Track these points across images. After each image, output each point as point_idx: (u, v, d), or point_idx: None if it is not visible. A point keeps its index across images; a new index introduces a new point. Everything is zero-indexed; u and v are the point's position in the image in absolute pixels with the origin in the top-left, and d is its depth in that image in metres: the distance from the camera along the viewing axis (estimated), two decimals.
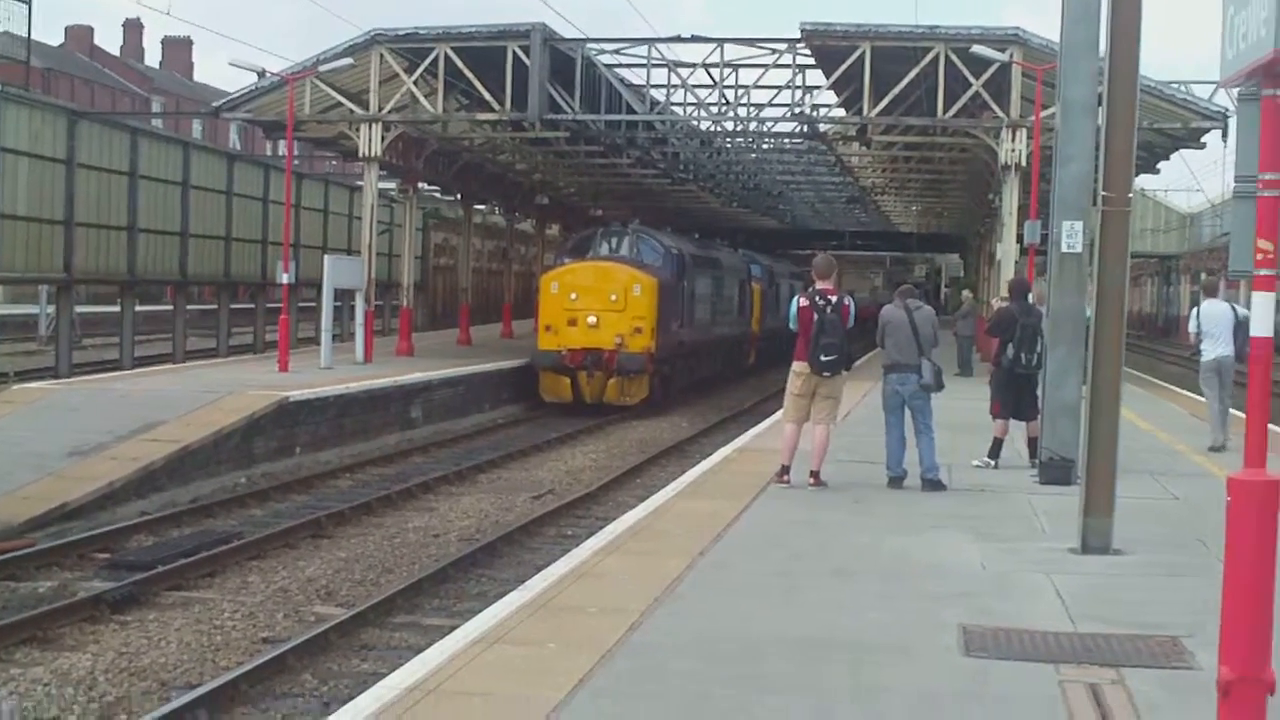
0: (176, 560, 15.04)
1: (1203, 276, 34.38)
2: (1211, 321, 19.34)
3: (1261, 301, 6.50)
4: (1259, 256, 6.37)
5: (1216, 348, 19.29)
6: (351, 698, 8.53)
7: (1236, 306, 19.73)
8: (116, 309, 36.56)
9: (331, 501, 19.57)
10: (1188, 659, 8.49)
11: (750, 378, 45.37)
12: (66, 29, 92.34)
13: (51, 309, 40.79)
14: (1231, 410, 19.40)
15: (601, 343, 32.36)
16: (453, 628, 10.02)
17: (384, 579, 14.88)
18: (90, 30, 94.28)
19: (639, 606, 9.65)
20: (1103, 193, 11.89)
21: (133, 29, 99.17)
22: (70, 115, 32.07)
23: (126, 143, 33.67)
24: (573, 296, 32.94)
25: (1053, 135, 16.07)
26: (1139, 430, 20.56)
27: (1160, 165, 37.89)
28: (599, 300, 32.74)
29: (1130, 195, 12.08)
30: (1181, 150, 35.05)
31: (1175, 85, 32.76)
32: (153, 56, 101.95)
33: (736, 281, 45.46)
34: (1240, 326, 18.92)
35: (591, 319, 32.57)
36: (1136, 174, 21.02)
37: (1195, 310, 19.93)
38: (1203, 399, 20.67)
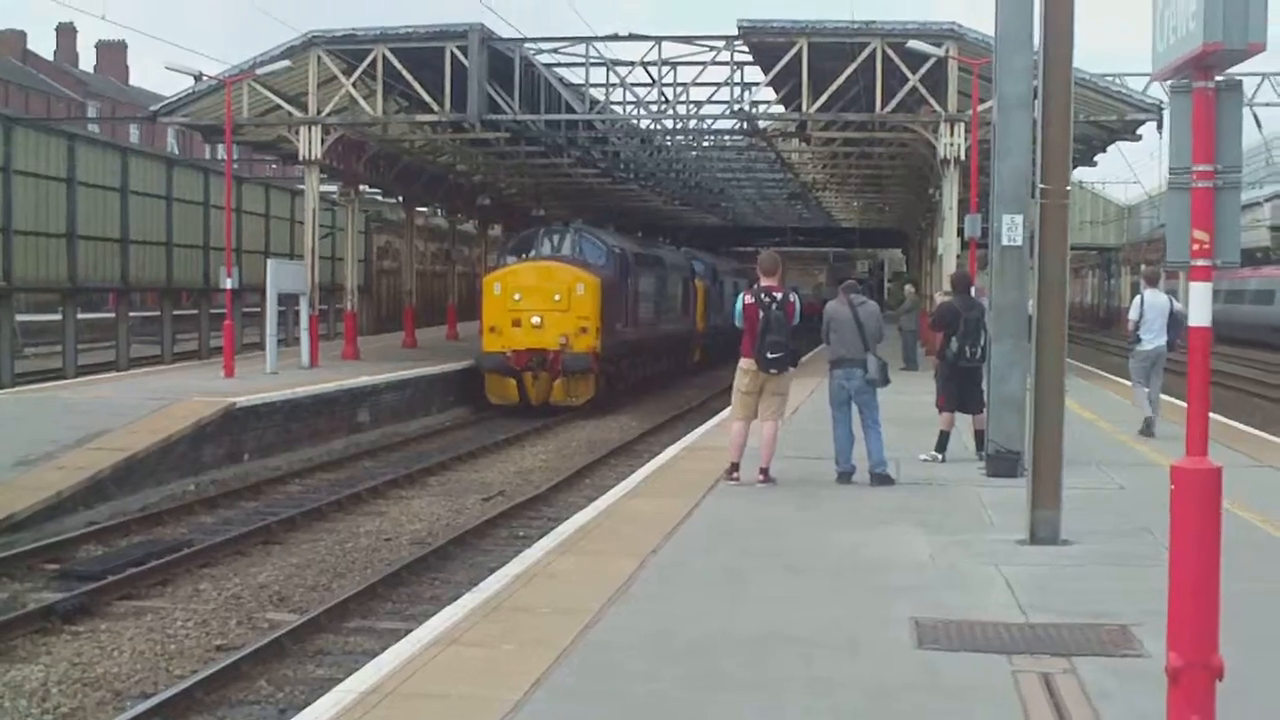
0: (127, 569, 14.97)
1: (1143, 267, 34.71)
2: (1154, 312, 19.64)
3: (1199, 291, 6.62)
4: (1195, 247, 6.49)
5: (1157, 338, 19.60)
6: (308, 703, 8.54)
7: (1174, 299, 20.06)
8: (58, 317, 36.29)
9: (282, 507, 19.53)
10: (1137, 647, 8.60)
11: (696, 375, 45.48)
12: None
13: None
14: (1163, 397, 20.23)
15: (546, 343, 32.26)
16: (407, 631, 10.02)
17: (336, 584, 14.88)
18: (23, 35, 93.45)
19: (593, 606, 9.70)
20: (1040, 185, 12.02)
21: (66, 33, 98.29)
22: (4, 122, 31.82)
23: (63, 149, 33.39)
24: (516, 297, 32.79)
25: (991, 129, 16.22)
26: (1083, 421, 20.76)
27: (1097, 158, 38.26)
28: (542, 300, 32.65)
29: (1068, 188, 12.21)
30: (1118, 143, 35.34)
31: (1110, 78, 33.10)
32: (87, 61, 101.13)
33: (680, 279, 45.44)
34: (1174, 319, 19.31)
35: (535, 319, 32.49)
36: (1074, 167, 21.26)
37: (1138, 299, 20.16)
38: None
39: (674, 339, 44.25)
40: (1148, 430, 19.57)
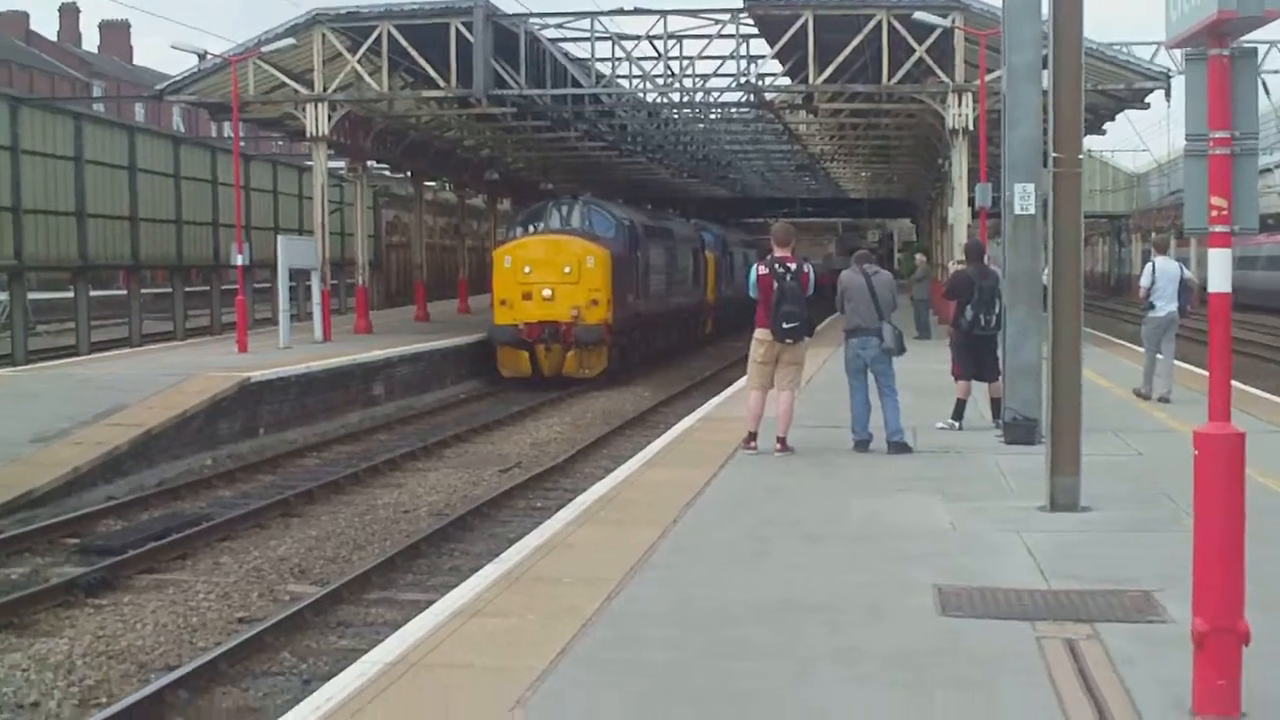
0: (147, 543, 15.06)
1: (1153, 235, 34.72)
2: (1165, 279, 19.77)
3: (1219, 257, 6.64)
4: (1213, 213, 6.51)
5: (1168, 304, 19.72)
6: (331, 674, 8.61)
7: (1184, 267, 20.33)
8: (70, 294, 36.36)
9: (299, 481, 19.59)
10: (1161, 612, 8.60)
11: (708, 347, 45.46)
12: (1, 15, 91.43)
13: (4, 296, 40.52)
14: (1176, 362, 20.44)
15: (558, 315, 32.26)
16: (428, 602, 10.06)
17: (356, 556, 14.94)
18: (25, 16, 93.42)
19: (615, 576, 9.73)
20: (1054, 155, 12.02)
21: (69, 13, 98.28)
22: (12, 102, 31.83)
23: (70, 128, 33.43)
24: (526, 270, 32.71)
25: (999, 98, 16.20)
26: (1099, 388, 20.75)
27: (1106, 126, 38.17)
28: (553, 273, 32.59)
29: (1081, 157, 12.22)
30: (1126, 111, 35.30)
31: (1117, 46, 33.01)
32: (90, 41, 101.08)
33: (690, 251, 45.25)
34: (1184, 285, 19.61)
35: (546, 292, 32.45)
36: (1085, 135, 21.21)
37: (1150, 266, 20.23)
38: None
39: (685, 311, 44.14)
40: (1145, 393, 19.88)
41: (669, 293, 40.77)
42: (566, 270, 32.50)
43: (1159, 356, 20.16)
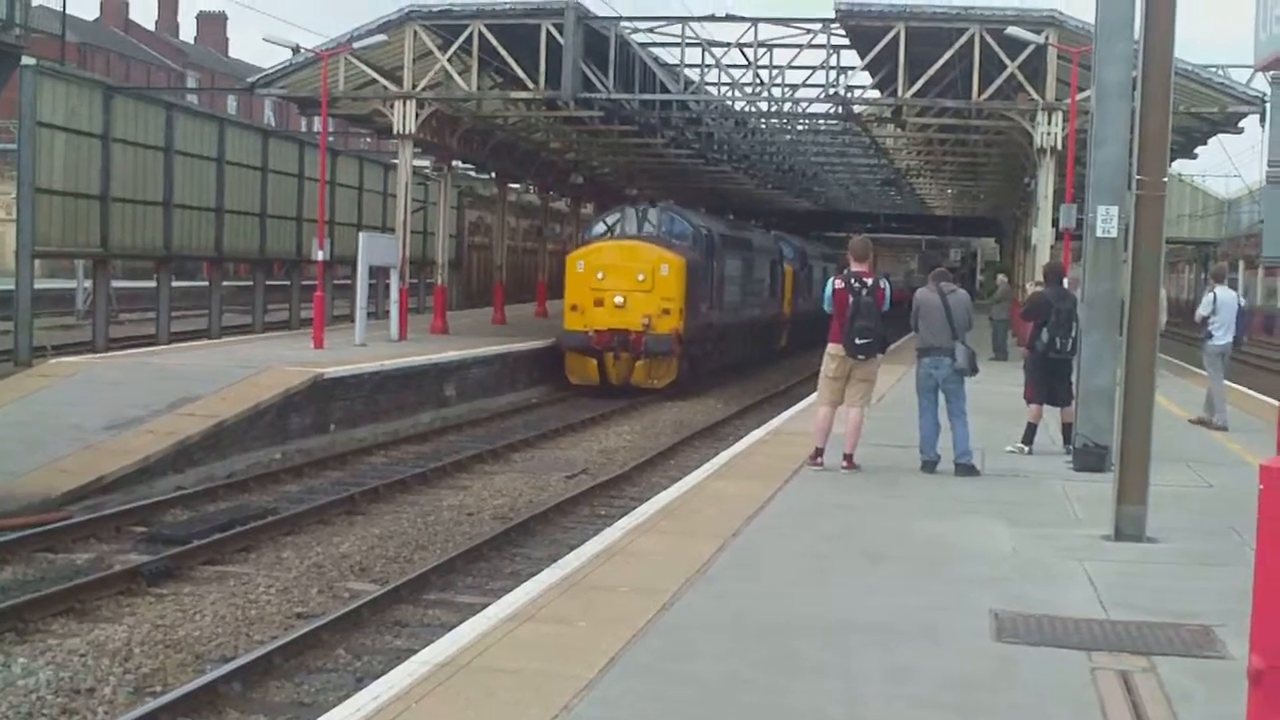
0: (212, 535, 15.18)
1: (1211, 265, 34.55)
2: (1226, 309, 19.95)
3: None
4: None
5: (1227, 334, 19.90)
6: (384, 673, 8.59)
7: (1240, 297, 20.71)
8: (152, 284, 36.71)
9: (366, 478, 19.66)
10: (1220, 648, 8.47)
11: (782, 361, 45.09)
12: (101, 3, 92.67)
13: (88, 284, 40.99)
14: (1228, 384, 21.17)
15: (629, 324, 31.88)
16: (485, 605, 10.05)
17: (417, 556, 14.97)
18: (125, 5, 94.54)
19: (671, 586, 9.69)
20: (1137, 177, 11.85)
21: (167, 4, 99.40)
22: (106, 90, 32.16)
23: (162, 118, 33.77)
24: (599, 276, 32.38)
25: (1089, 118, 16.02)
26: (1174, 417, 20.50)
27: (1197, 150, 37.76)
28: (626, 280, 32.22)
29: (1165, 180, 12.02)
30: (1219, 135, 34.88)
31: (1213, 69, 32.61)
32: (187, 31, 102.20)
33: (768, 262, 44.73)
34: (1240, 314, 20.23)
35: (618, 299, 32.08)
36: (1173, 159, 21.00)
37: (1210, 296, 20.32)
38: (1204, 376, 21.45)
39: (760, 323, 43.62)
40: (1208, 421, 19.92)
41: (744, 304, 40.33)
42: (640, 278, 32.18)
43: (1215, 384, 20.22)
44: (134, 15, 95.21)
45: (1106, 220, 14.79)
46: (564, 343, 32.79)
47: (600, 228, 35.58)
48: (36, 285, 30.59)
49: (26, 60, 27.37)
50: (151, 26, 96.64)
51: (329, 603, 12.87)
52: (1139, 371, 11.79)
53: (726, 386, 35.87)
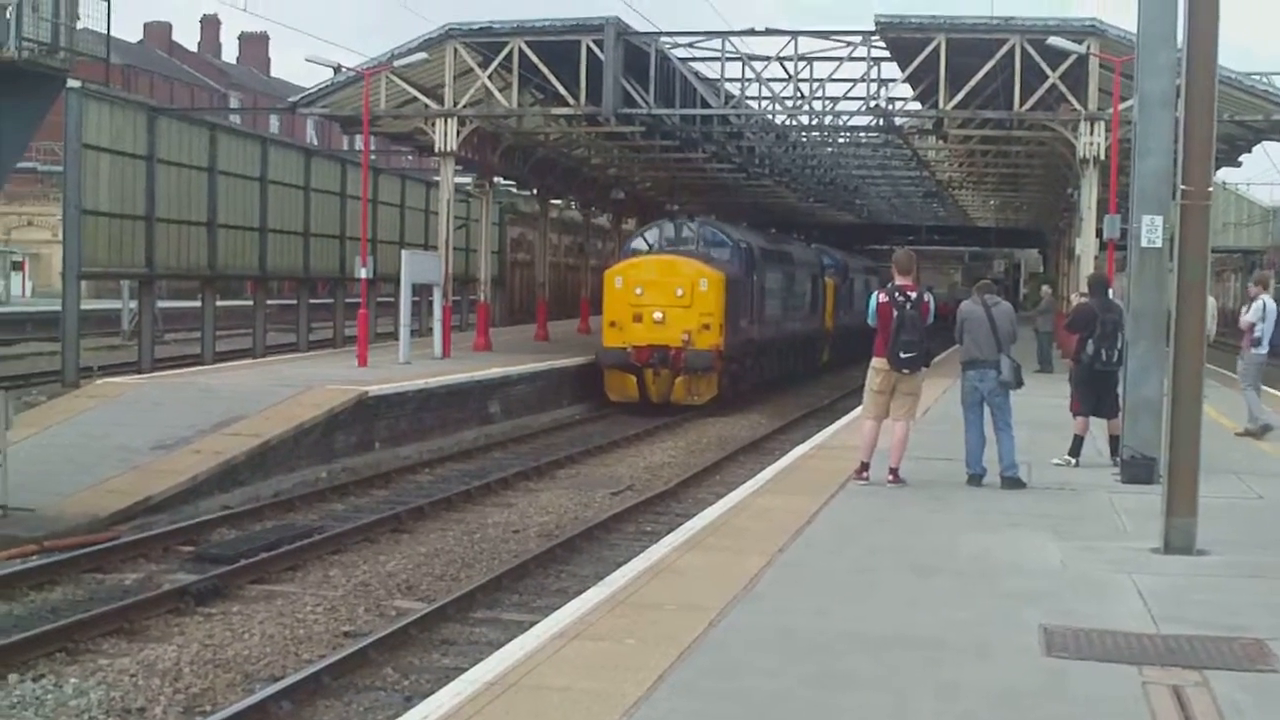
0: (259, 554, 15.25)
1: (1256, 272, 34.37)
2: (1271, 317, 19.98)
3: None
4: None
5: (1267, 342, 20.02)
6: (432, 692, 8.61)
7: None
8: (197, 304, 36.89)
9: (411, 496, 19.71)
10: (1273, 661, 8.41)
11: (824, 375, 44.90)
12: (145, 25, 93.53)
13: (134, 304, 41.23)
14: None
15: (668, 339, 31.61)
16: (532, 623, 10.08)
17: (464, 574, 14.99)
18: (169, 27, 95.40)
19: (718, 603, 9.67)
20: (1182, 186, 11.79)
21: (210, 25, 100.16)
22: (150, 111, 32.33)
23: (205, 138, 33.94)
24: (638, 291, 32.18)
25: (1132, 128, 15.95)
26: (1222, 428, 20.36)
27: (1242, 158, 37.50)
28: (665, 295, 31.97)
29: (1210, 189, 11.94)
30: (1264, 143, 34.65)
31: (1256, 76, 32.41)
32: (230, 52, 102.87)
33: (809, 276, 44.41)
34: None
35: (657, 315, 31.84)
36: (1217, 167, 20.88)
37: (1259, 304, 20.32)
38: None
39: (801, 338, 43.36)
40: (1255, 433, 19.89)
41: (785, 318, 40.15)
42: (679, 293, 31.91)
43: (1250, 392, 20.16)
44: (177, 37, 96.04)
45: (1151, 230, 14.71)
46: (603, 359, 32.55)
47: (638, 243, 35.39)
48: (83, 306, 30.78)
49: (72, 83, 27.56)
50: (194, 48, 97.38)
51: (376, 621, 12.90)
52: (1187, 382, 11.72)
53: (770, 401, 35.78)
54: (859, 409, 16.90)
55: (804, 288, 43.50)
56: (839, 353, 47.94)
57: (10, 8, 16.24)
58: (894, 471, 15.15)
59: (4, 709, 10.08)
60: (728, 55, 33.49)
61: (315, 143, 69.94)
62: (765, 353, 37.73)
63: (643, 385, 32.16)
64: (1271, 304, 20.38)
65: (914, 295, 14.93)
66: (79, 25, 30.03)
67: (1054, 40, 29.56)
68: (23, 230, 66.36)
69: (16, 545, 15.21)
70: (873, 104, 34.73)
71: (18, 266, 65.06)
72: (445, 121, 33.26)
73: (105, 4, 34.99)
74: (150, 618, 12.74)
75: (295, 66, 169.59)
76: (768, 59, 34.06)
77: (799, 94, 35.17)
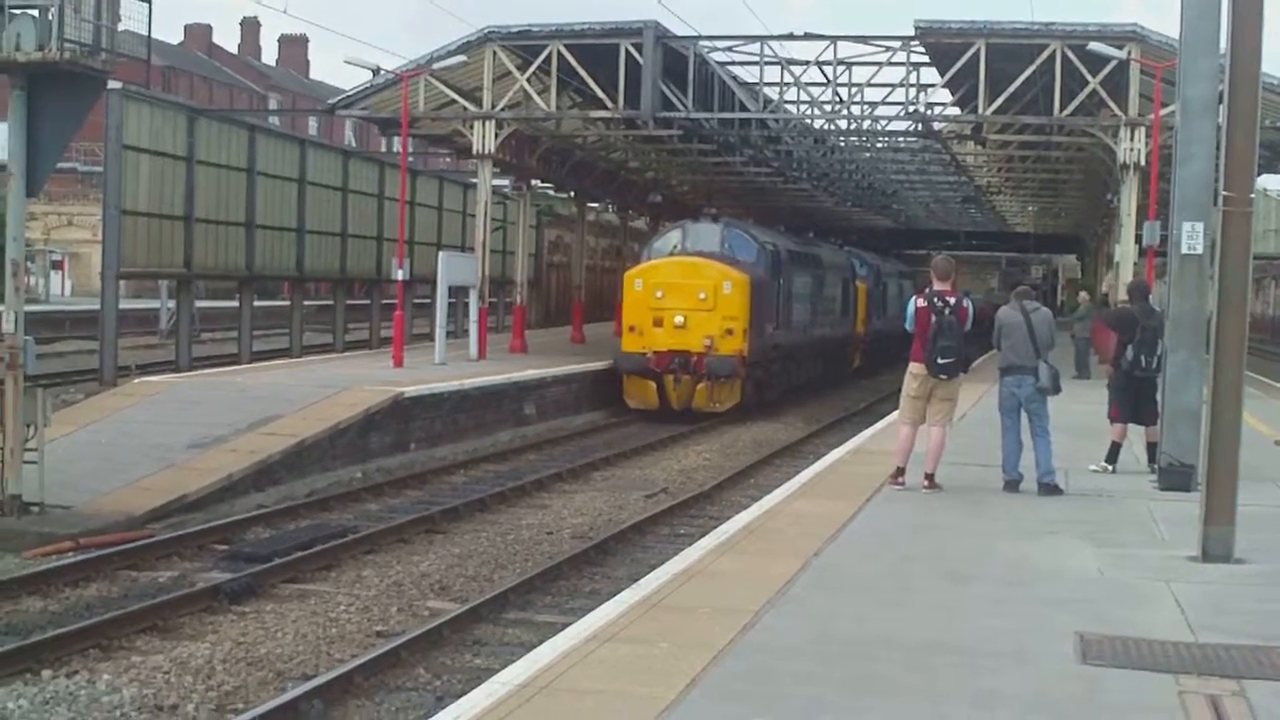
0: (293, 553, 15.25)
1: None
2: None
3: None
4: None
5: None
6: (464, 692, 8.60)
7: None
8: (235, 304, 37.01)
9: (445, 497, 19.71)
10: None
11: (858, 381, 44.38)
12: (185, 27, 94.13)
13: (172, 303, 41.40)
14: None
15: (689, 344, 30.30)
16: (565, 625, 10.06)
17: (497, 575, 14.96)
18: (209, 29, 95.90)
19: (752, 607, 9.63)
20: (1224, 193, 11.70)
21: (250, 27, 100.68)
22: (190, 113, 32.46)
23: (244, 140, 34.06)
24: (658, 294, 30.86)
25: (1172, 134, 15.87)
26: (1261, 436, 20.23)
27: None
28: (687, 299, 30.62)
29: (1252, 195, 11.86)
30: None
31: None
32: (269, 54, 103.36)
33: (839, 280, 43.11)
34: None
35: (679, 319, 30.51)
36: (1259, 173, 20.76)
37: None
38: None
39: (830, 343, 41.88)
40: None
41: (813, 323, 38.77)
42: (701, 296, 30.60)
43: None
44: (217, 39, 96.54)
45: (1192, 237, 14.62)
46: (621, 365, 31.46)
47: (659, 244, 34.32)
48: (121, 305, 30.92)
49: (113, 84, 27.66)
50: (234, 50, 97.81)
51: (409, 621, 12.89)
52: (1226, 389, 11.63)
53: (805, 405, 35.56)
54: (895, 413, 16.82)
55: (834, 291, 42.17)
56: (871, 359, 47.30)
57: (52, 9, 16.27)
58: (930, 477, 15.08)
59: (37, 705, 10.11)
60: (766, 59, 33.47)
61: (353, 144, 70.12)
62: (792, 359, 36.44)
63: (663, 392, 30.97)
64: None
65: (953, 301, 14.87)
66: (120, 27, 30.13)
67: (1094, 46, 29.46)
68: (63, 230, 66.70)
69: (53, 542, 15.28)
70: (911, 108, 34.66)
71: (57, 266, 65.38)
72: (483, 124, 33.32)
73: (146, 6, 35.11)
74: (184, 615, 12.76)
75: (334, 68, 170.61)
76: (806, 63, 34.03)
77: (837, 98, 35.14)
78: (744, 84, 35.29)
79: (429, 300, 37.71)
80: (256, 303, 36.68)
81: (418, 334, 40.07)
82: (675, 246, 33.09)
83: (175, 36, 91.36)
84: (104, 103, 28.13)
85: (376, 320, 42.16)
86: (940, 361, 14.75)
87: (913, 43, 31.89)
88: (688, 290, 30.80)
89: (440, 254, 32.33)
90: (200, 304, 40.17)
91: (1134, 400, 16.70)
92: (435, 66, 31.99)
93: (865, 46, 33.44)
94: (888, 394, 24.55)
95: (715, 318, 30.56)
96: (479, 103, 33.59)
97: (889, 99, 35.52)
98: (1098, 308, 29.72)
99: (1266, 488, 15.24)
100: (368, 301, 44.09)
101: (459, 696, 8.43)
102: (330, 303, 42.95)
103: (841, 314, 43.51)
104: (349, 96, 35.19)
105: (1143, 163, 30.74)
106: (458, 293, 33.72)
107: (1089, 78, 30.31)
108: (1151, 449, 16.39)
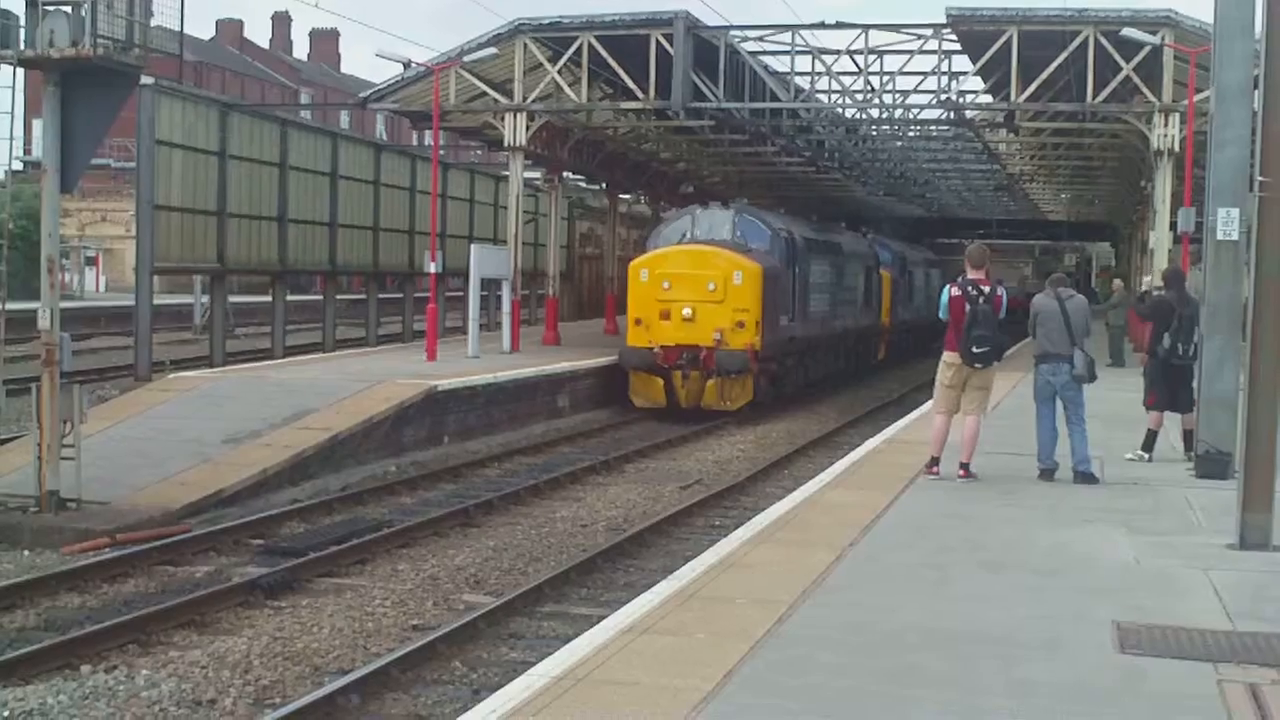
0: (328, 547, 15.31)
1: None
2: None
3: None
4: None
5: None
6: (500, 685, 8.59)
7: None
8: (268, 299, 37.11)
9: (480, 490, 19.74)
10: None
11: (883, 372, 43.04)
12: (217, 22, 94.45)
13: (205, 299, 41.54)
14: None
15: (698, 338, 28.76)
16: (600, 617, 10.05)
17: (532, 568, 14.97)
18: (240, 24, 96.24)
19: (788, 598, 9.62)
20: (1259, 178, 11.62)
21: (281, 22, 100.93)
22: (222, 108, 32.51)
23: (276, 134, 34.09)
24: (665, 286, 29.23)
25: (1207, 119, 15.76)
26: None
27: None
28: (695, 290, 28.98)
29: None
30: None
31: None
32: (300, 49, 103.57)
33: (861, 268, 41.31)
34: None
35: (686, 311, 28.89)
36: None
37: None
38: None
39: (852, 335, 40.15)
40: None
41: (833, 314, 37.04)
42: (710, 287, 28.94)
43: None
44: (249, 34, 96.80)
45: (1228, 223, 14.52)
46: (626, 361, 29.70)
47: (667, 231, 32.48)
48: (155, 300, 31.01)
49: (145, 80, 27.74)
50: (266, 44, 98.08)
51: (444, 615, 12.92)
52: (1263, 376, 11.56)
53: (839, 396, 35.47)
54: (929, 403, 16.77)
55: (855, 280, 40.33)
56: (897, 350, 45.74)
57: (85, 6, 16.33)
58: (965, 466, 15.03)
59: (77, 700, 10.15)
60: (797, 49, 33.39)
61: (384, 138, 70.26)
62: (810, 352, 34.80)
63: (670, 389, 29.33)
64: None
65: (987, 289, 14.81)
66: (152, 22, 30.23)
67: (1128, 32, 29.29)
68: (96, 226, 67.02)
69: (90, 538, 15.36)
70: (943, 97, 34.54)
71: (91, 262, 65.71)
72: (514, 116, 33.32)
73: (179, 1, 35.21)
74: (221, 610, 12.82)
75: (365, 62, 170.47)
76: (838, 52, 33.99)
77: (869, 87, 35.07)
78: (775, 74, 35.25)
79: (461, 293, 37.77)
80: (289, 297, 36.75)
81: (450, 327, 40.09)
82: (684, 234, 31.40)
83: (207, 32, 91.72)
84: (137, 98, 28.22)
85: (409, 314, 42.20)
86: (975, 351, 14.68)
87: (945, 31, 31.77)
88: (696, 281, 29.21)
89: (472, 247, 32.29)
90: (234, 299, 40.26)
91: (1170, 388, 16.62)
92: (466, 59, 32.02)
93: (897, 35, 33.37)
94: (922, 383, 24.43)
95: (725, 310, 28.97)
96: (510, 95, 33.60)
97: (921, 87, 35.47)
98: (1135, 301, 29.48)
99: None
100: (400, 295, 44.15)
101: (496, 689, 8.43)
102: (363, 297, 43.02)
103: (865, 304, 41.76)
104: (380, 90, 35.24)
105: (1177, 149, 30.58)
106: (490, 285, 33.74)
107: (1122, 64, 30.16)
108: (1188, 436, 16.31)
